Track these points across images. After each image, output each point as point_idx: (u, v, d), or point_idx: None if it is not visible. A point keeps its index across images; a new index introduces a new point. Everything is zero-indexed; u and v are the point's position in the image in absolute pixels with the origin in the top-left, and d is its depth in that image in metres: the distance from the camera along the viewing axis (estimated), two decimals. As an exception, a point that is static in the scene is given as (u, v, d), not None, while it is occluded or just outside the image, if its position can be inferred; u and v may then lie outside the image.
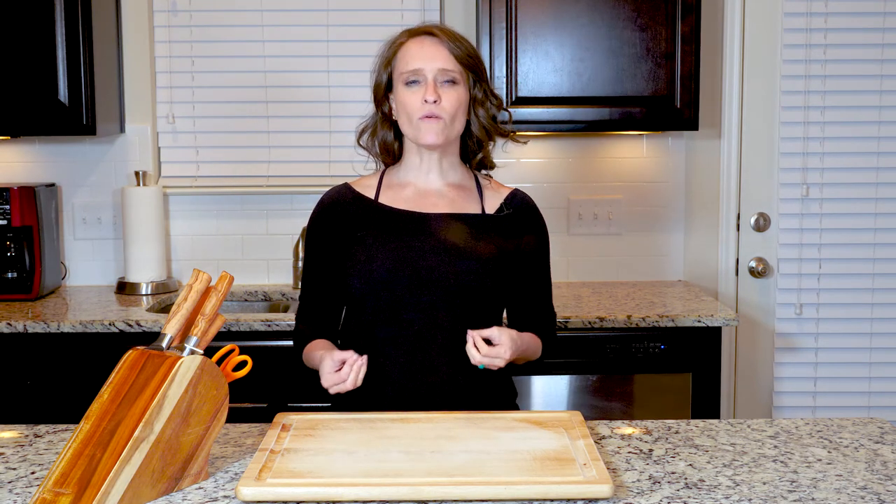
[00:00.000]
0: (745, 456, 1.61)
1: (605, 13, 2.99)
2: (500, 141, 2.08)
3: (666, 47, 2.99)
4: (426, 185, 2.01)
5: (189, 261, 3.37)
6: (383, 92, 2.02)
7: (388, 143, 2.05)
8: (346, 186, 2.05)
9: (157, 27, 3.32)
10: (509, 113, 2.09)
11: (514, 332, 1.87)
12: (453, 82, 1.94)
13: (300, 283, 2.05)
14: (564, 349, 2.79)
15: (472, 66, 1.97)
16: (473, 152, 2.05)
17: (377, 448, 1.58)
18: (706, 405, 2.86)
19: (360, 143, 2.07)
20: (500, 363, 1.83)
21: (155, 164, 3.35)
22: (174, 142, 3.36)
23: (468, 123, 2.01)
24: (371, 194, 2.02)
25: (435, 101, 1.92)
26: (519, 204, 2.04)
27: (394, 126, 2.03)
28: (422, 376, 1.91)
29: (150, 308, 3.00)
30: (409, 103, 1.94)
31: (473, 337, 1.82)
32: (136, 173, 3.25)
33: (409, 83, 1.95)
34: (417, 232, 1.95)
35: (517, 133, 2.13)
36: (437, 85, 1.93)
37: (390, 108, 2.02)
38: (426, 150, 1.99)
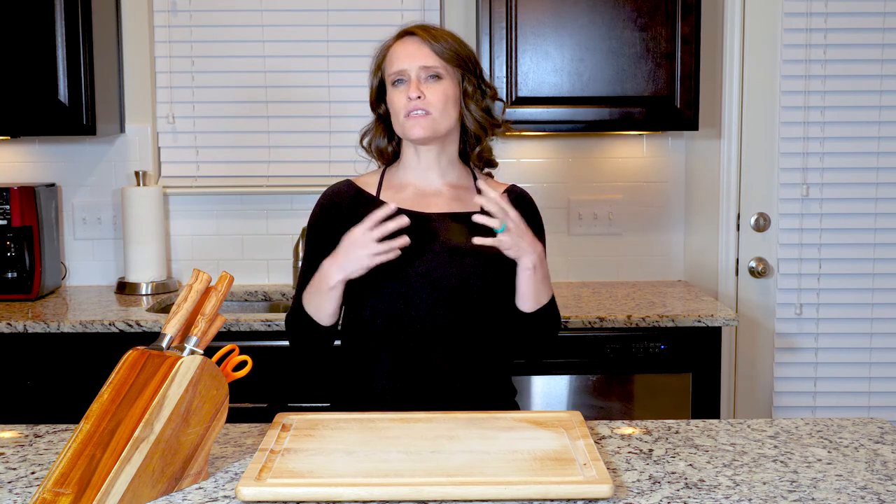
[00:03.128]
0: (745, 456, 1.61)
1: (605, 13, 2.99)
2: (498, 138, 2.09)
3: (666, 47, 2.99)
4: (425, 184, 2.02)
5: (189, 261, 3.37)
6: (376, 96, 2.05)
7: (381, 148, 2.08)
8: (349, 183, 2.07)
9: (157, 27, 3.32)
10: (503, 102, 2.10)
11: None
12: (438, 77, 1.96)
13: (298, 280, 2.05)
14: (564, 349, 2.79)
15: (456, 61, 1.98)
16: (472, 146, 2.06)
17: (377, 448, 1.58)
18: (706, 405, 2.86)
19: (363, 144, 2.10)
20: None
21: (155, 164, 3.35)
22: (174, 142, 3.36)
23: (462, 119, 2.02)
24: (372, 192, 2.03)
25: (419, 97, 1.93)
26: (517, 198, 2.04)
27: (388, 130, 2.06)
28: (422, 375, 1.91)
29: (150, 308, 3.00)
30: (396, 102, 1.97)
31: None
32: (136, 173, 3.26)
33: (395, 83, 1.97)
34: (418, 231, 1.95)
35: (514, 128, 2.14)
36: (421, 81, 1.95)
37: (385, 111, 2.03)
38: (422, 148, 1.99)
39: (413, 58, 1.96)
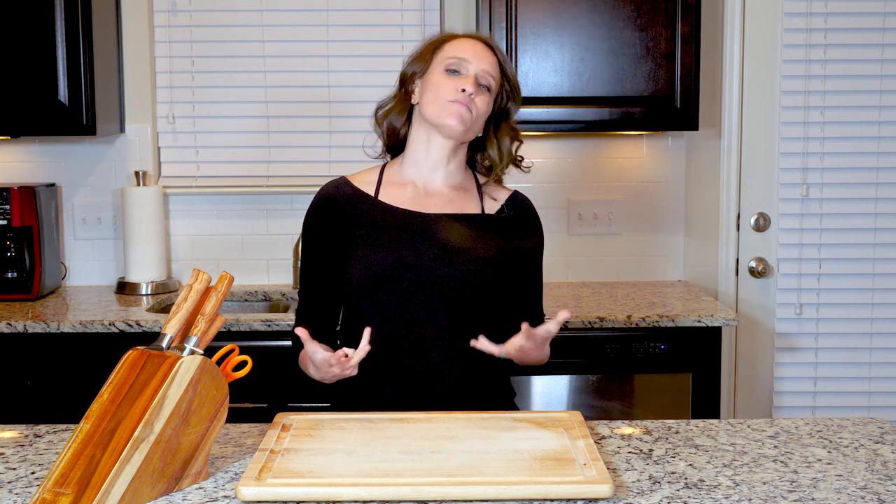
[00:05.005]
0: (745, 456, 1.61)
1: (605, 13, 2.99)
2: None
3: (666, 47, 2.99)
4: (426, 184, 2.01)
5: (189, 261, 3.37)
6: (416, 76, 2.00)
7: (395, 127, 2.04)
8: (345, 181, 2.04)
9: (157, 27, 3.32)
10: (521, 141, 2.09)
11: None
12: (488, 89, 1.97)
13: (299, 280, 2.05)
14: (564, 349, 2.79)
15: (511, 80, 2.01)
16: (487, 168, 2.06)
17: (377, 448, 1.58)
18: (706, 405, 2.86)
19: (377, 116, 2.06)
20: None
21: (155, 164, 3.35)
22: (174, 142, 3.36)
23: (485, 142, 2.02)
24: (370, 191, 2.01)
25: (471, 95, 1.93)
26: (520, 205, 2.04)
27: (407, 113, 2.02)
28: (420, 376, 1.90)
29: (150, 308, 3.00)
30: (443, 85, 1.94)
31: (480, 345, 1.80)
32: (136, 173, 3.26)
33: (450, 70, 1.95)
34: (417, 232, 1.94)
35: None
36: (477, 83, 1.95)
37: (413, 91, 2.01)
38: (434, 144, 1.97)
39: (481, 58, 1.96)
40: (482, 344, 1.79)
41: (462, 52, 1.96)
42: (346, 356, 1.74)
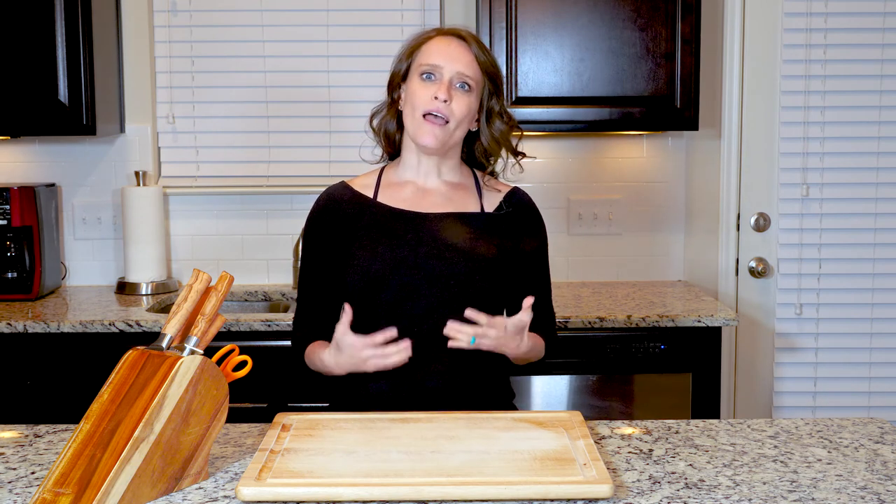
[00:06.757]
0: (745, 456, 1.61)
1: (605, 13, 2.99)
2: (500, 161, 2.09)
3: (666, 47, 2.99)
4: (425, 184, 2.01)
5: (189, 261, 3.37)
6: (399, 80, 2.01)
7: (389, 132, 2.05)
8: (344, 185, 2.05)
9: (157, 27, 3.32)
10: (521, 131, 2.08)
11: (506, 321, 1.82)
12: (468, 89, 1.94)
13: (298, 285, 2.05)
14: (564, 349, 2.79)
15: (492, 75, 1.98)
16: (481, 165, 2.06)
17: (377, 448, 1.58)
18: (706, 405, 2.86)
19: (373, 124, 2.07)
20: (487, 342, 1.80)
21: (155, 164, 3.35)
22: (174, 142, 3.36)
23: (478, 134, 2.01)
24: (369, 193, 2.01)
25: (445, 101, 1.91)
26: (518, 202, 2.04)
27: (398, 116, 2.02)
28: (420, 376, 1.90)
29: (150, 308, 3.00)
30: (418, 95, 1.93)
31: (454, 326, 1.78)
32: (136, 173, 3.26)
33: (424, 76, 1.94)
34: (417, 232, 1.94)
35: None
36: (452, 87, 1.93)
37: (399, 97, 2.01)
38: (423, 152, 1.98)
39: (454, 60, 1.93)
40: (451, 330, 1.76)
41: (435, 58, 1.94)
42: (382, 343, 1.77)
